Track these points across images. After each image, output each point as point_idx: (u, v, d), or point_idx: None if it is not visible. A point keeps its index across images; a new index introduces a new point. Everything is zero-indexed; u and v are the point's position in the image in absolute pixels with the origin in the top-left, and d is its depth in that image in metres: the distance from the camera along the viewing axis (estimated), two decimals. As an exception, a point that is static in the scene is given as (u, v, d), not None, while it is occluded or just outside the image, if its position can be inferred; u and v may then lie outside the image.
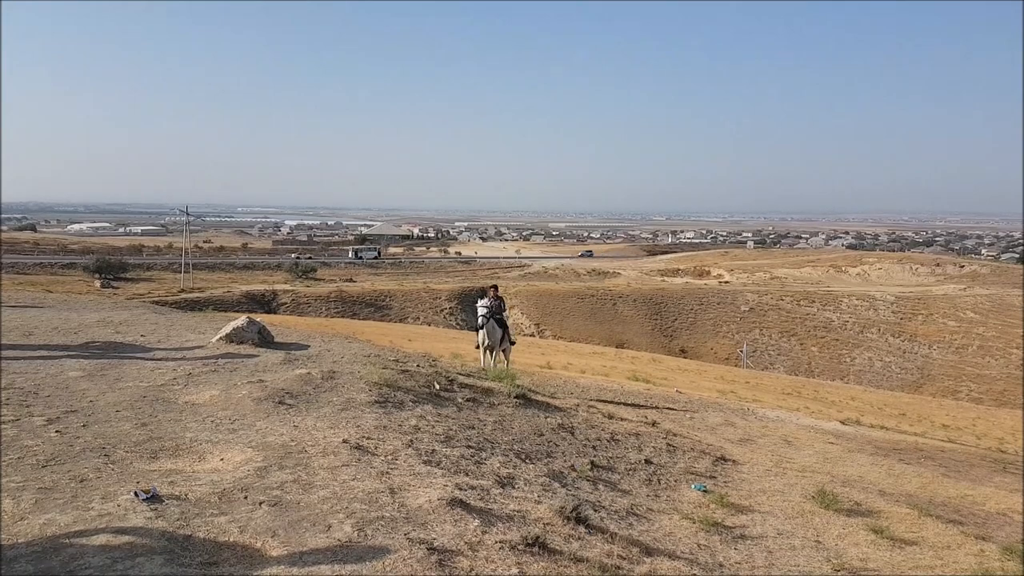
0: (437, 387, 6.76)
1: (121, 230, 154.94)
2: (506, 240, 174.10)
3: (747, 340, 59.42)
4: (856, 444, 9.99)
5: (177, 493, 3.49)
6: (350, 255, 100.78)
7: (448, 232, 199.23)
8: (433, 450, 4.72)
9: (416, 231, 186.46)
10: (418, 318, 55.49)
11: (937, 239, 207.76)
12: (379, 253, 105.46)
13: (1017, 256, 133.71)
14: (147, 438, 4.43)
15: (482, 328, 11.41)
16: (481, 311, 11.47)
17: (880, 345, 58.68)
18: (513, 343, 12.60)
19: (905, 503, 5.70)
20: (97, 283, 56.86)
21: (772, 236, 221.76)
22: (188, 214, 77.71)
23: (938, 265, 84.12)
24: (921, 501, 5.94)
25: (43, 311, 10.80)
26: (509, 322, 12.62)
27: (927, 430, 18.23)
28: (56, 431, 4.45)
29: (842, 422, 14.03)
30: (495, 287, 12.38)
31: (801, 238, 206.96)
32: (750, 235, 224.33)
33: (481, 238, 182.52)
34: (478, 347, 11.93)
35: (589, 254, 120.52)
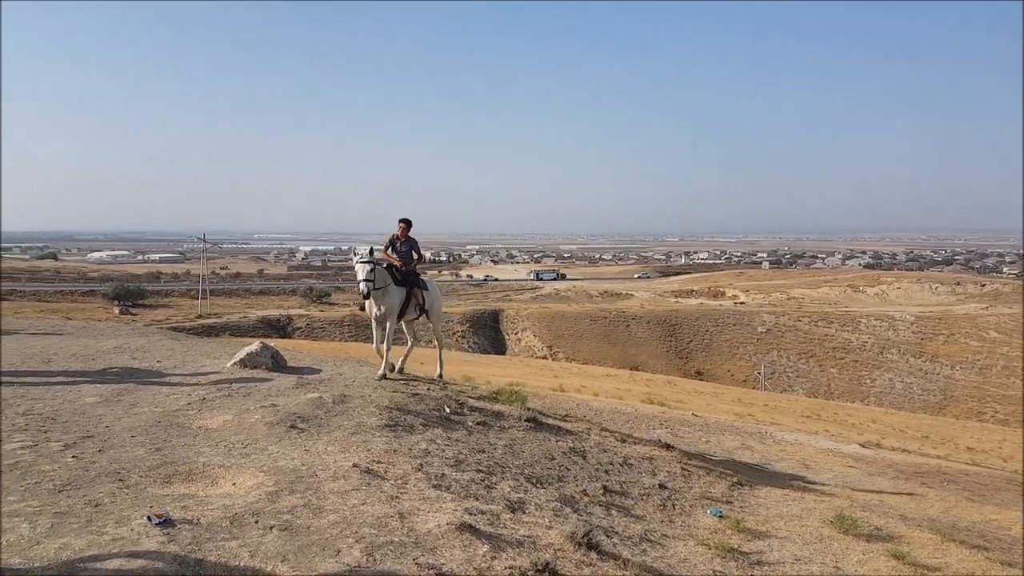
0: (447, 410, 6.75)
1: (140, 257, 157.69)
2: (517, 263, 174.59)
3: (764, 362, 58.73)
4: (877, 467, 9.79)
5: (189, 517, 3.52)
6: (532, 277, 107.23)
7: (460, 255, 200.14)
8: (443, 474, 4.71)
9: (428, 255, 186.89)
10: (430, 341, 55.55)
11: (956, 257, 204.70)
12: (557, 274, 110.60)
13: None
14: (161, 463, 4.48)
15: (365, 282, 7.07)
16: (359, 261, 7.11)
17: (901, 366, 57.73)
18: (423, 310, 8.18)
19: (927, 528, 5.57)
20: (116, 310, 57.81)
21: (788, 256, 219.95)
22: (205, 241, 79.19)
23: (958, 284, 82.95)
24: (944, 526, 5.79)
25: (63, 338, 10.99)
26: (432, 285, 8.40)
27: (951, 453, 17.82)
28: (73, 456, 4.51)
29: (862, 445, 13.75)
30: (406, 222, 8.11)
31: (817, 258, 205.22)
32: (765, 255, 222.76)
33: (492, 260, 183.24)
34: (363, 307, 7.73)
35: (646, 276, 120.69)
